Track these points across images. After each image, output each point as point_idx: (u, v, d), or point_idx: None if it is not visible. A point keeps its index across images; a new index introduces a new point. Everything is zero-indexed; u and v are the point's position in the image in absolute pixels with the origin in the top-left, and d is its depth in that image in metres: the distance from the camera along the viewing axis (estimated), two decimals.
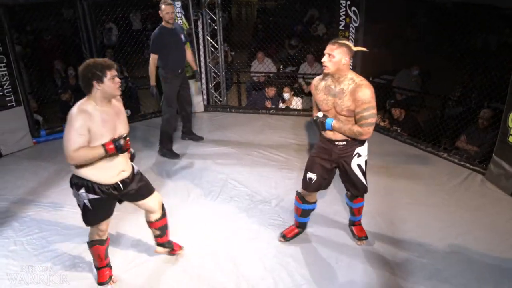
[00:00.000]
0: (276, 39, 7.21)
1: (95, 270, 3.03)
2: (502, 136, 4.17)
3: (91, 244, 2.89)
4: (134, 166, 2.89)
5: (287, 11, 8.20)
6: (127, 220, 3.71)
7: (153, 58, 4.80)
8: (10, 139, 5.18)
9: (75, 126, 2.45)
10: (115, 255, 3.24)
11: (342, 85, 2.83)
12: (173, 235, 3.46)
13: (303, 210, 3.33)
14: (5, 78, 5.03)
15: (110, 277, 3.02)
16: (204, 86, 6.63)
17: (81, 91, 2.58)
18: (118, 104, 2.73)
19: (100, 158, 2.54)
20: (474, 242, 3.40)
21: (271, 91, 6.61)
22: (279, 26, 7.22)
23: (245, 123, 6.19)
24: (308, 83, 6.89)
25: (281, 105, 6.61)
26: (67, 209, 3.90)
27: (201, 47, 6.48)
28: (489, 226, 3.60)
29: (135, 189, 2.84)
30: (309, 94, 6.61)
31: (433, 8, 6.56)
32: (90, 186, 2.63)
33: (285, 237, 3.47)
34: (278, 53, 8.22)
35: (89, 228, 2.86)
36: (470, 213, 3.81)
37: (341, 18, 5.63)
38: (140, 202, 2.93)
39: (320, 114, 2.93)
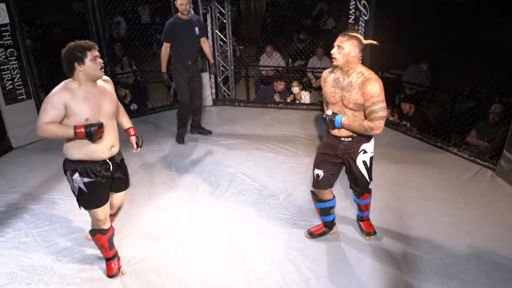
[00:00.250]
0: (285, 32, 7.19)
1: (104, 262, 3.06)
2: None
3: (92, 233, 2.92)
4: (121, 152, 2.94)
5: (296, 5, 8.14)
6: (134, 213, 3.73)
7: (165, 46, 4.94)
8: (20, 132, 5.22)
9: (52, 99, 2.51)
10: (122, 246, 3.27)
11: (350, 78, 2.79)
12: (180, 229, 3.50)
13: (321, 208, 3.30)
14: (15, 72, 5.08)
15: (119, 269, 3.04)
16: (212, 80, 6.63)
17: None
18: (105, 84, 2.76)
19: None
20: (483, 238, 3.38)
21: (280, 85, 6.60)
22: (288, 20, 7.19)
23: (253, 117, 6.19)
24: (317, 77, 6.86)
25: (289, 99, 6.59)
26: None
27: (209, 40, 6.47)
28: (499, 223, 3.57)
29: (123, 178, 2.94)
30: (318, 88, 6.61)
31: (444, 2, 6.49)
32: (83, 170, 2.68)
33: (312, 234, 3.43)
34: (287, 47, 8.18)
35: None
36: (480, 209, 3.78)
37: (350, 12, 5.58)
38: (114, 194, 2.99)
39: (329, 112, 2.89)
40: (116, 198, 3.02)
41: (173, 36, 4.86)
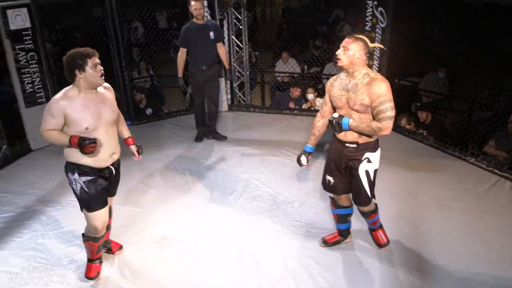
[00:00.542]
0: (300, 39, 7.19)
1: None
2: None
3: (85, 238, 2.94)
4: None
5: (312, 11, 8.15)
6: (147, 217, 3.76)
7: (181, 51, 5.04)
8: (39, 134, 5.27)
9: (50, 108, 2.63)
10: (131, 246, 3.29)
11: (356, 80, 2.77)
12: (194, 234, 3.51)
13: (338, 215, 3.27)
14: (35, 75, 5.18)
15: (98, 273, 3.05)
16: (228, 85, 6.67)
17: None
18: (106, 92, 2.80)
19: None
20: (501, 249, 3.32)
21: (296, 92, 6.59)
22: (304, 26, 7.19)
23: (268, 123, 6.19)
24: None
25: (305, 106, 6.59)
26: None
27: (225, 46, 6.51)
28: None
29: (116, 182, 3.01)
30: None
31: (462, 9, 6.44)
32: (83, 170, 2.74)
33: (326, 242, 3.40)
34: (302, 54, 8.19)
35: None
36: (497, 219, 3.72)
37: (367, 19, 5.55)
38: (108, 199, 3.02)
39: (336, 115, 2.86)
40: (108, 201, 3.04)
41: (188, 41, 4.92)
